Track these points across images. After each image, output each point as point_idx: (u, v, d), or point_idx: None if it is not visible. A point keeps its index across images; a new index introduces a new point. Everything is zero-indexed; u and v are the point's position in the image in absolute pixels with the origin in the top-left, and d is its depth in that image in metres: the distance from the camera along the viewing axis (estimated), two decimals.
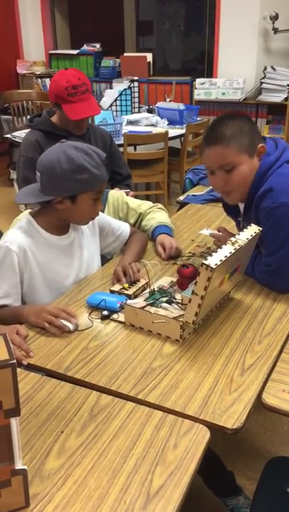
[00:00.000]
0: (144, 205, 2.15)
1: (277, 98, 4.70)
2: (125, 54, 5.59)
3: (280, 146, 1.65)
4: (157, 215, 2.09)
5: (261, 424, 2.18)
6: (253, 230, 1.50)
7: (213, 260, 1.28)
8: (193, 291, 1.33)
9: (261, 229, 1.52)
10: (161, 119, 4.51)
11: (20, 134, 4.03)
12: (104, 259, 1.96)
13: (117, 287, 1.66)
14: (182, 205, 2.60)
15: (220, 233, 1.94)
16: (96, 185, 1.58)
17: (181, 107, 4.54)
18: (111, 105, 4.62)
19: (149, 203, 2.17)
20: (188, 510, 0.99)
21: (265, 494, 1.32)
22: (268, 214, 1.56)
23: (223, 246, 1.37)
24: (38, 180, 1.60)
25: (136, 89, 4.77)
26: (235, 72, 4.87)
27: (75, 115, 2.27)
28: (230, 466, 1.74)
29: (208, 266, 1.26)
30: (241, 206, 1.73)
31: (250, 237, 1.45)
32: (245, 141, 1.57)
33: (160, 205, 2.17)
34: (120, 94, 4.63)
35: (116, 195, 2.19)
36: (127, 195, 2.26)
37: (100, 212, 1.79)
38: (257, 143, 1.60)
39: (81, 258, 1.75)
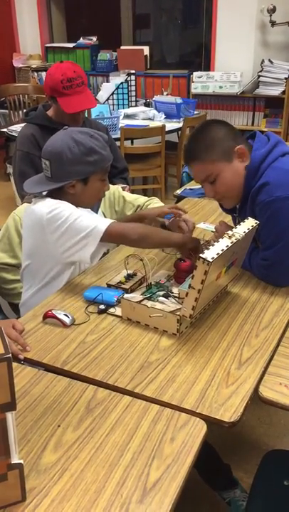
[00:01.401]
0: (141, 198, 2.15)
1: (275, 91, 4.68)
2: (122, 47, 5.56)
3: (272, 139, 1.64)
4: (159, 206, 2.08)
5: (258, 418, 2.18)
6: (250, 223, 1.49)
7: (210, 254, 1.28)
8: (190, 284, 1.32)
9: (258, 222, 1.52)
10: (158, 112, 4.50)
11: (16, 128, 4.01)
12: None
13: (114, 281, 1.65)
14: (179, 199, 2.59)
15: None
16: (105, 165, 1.67)
17: (178, 100, 4.52)
18: (108, 99, 4.60)
19: (146, 198, 2.17)
20: (184, 503, 0.99)
21: (261, 487, 1.33)
22: (263, 208, 1.56)
23: (220, 239, 1.37)
24: (46, 169, 1.64)
25: (133, 83, 4.76)
26: (232, 65, 4.85)
27: (70, 108, 2.25)
28: (227, 459, 1.74)
29: (204, 259, 1.26)
30: None
31: (247, 231, 1.44)
32: (218, 150, 1.60)
33: (157, 199, 2.17)
34: (117, 88, 4.61)
35: (112, 189, 2.18)
36: (124, 190, 2.25)
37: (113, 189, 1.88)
38: (232, 147, 1.61)
39: None
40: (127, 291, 1.59)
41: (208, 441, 1.53)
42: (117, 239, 1.65)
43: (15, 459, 0.89)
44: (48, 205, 1.61)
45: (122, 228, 1.60)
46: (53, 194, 1.67)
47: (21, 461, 0.90)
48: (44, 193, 1.70)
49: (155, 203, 2.13)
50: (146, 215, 1.87)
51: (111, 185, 2.22)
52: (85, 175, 1.63)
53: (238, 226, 1.46)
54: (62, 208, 1.59)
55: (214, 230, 2.02)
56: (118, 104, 4.66)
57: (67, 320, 1.46)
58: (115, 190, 2.17)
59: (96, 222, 1.58)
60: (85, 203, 1.72)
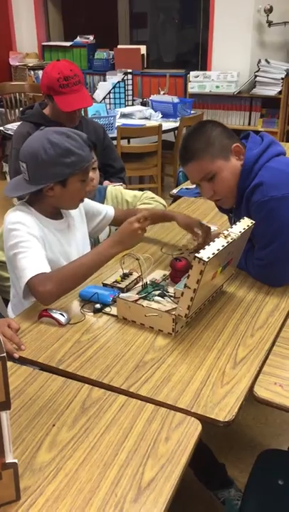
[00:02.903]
0: (137, 196, 2.20)
1: (272, 91, 4.69)
2: (119, 46, 5.55)
3: (265, 140, 1.65)
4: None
5: (253, 417, 2.19)
6: (245, 223, 1.49)
7: (206, 253, 1.28)
8: (185, 284, 1.33)
9: (254, 222, 1.52)
10: (155, 112, 4.49)
11: (12, 127, 3.99)
12: None
13: (109, 280, 1.65)
14: (176, 198, 2.59)
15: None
16: (83, 165, 1.59)
17: (175, 100, 4.52)
18: (104, 98, 4.59)
19: (140, 193, 2.22)
20: (179, 503, 1.00)
21: (256, 486, 1.33)
22: (258, 208, 1.56)
23: (216, 239, 1.37)
24: (24, 172, 1.60)
25: (130, 82, 4.75)
26: (229, 65, 4.86)
27: (67, 107, 2.25)
28: (222, 458, 1.74)
29: (200, 259, 1.26)
30: None
31: (242, 231, 1.44)
32: (215, 148, 1.60)
33: (149, 192, 2.22)
34: (114, 87, 4.60)
35: (114, 191, 2.21)
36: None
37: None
38: (228, 145, 1.61)
39: (77, 241, 1.77)
40: (122, 290, 1.59)
41: (204, 440, 1.53)
42: (35, 295, 1.51)
43: (9, 458, 0.89)
44: (12, 220, 1.58)
45: (36, 288, 1.47)
46: (34, 197, 1.64)
47: (16, 461, 0.90)
48: (25, 198, 1.68)
49: (150, 197, 2.17)
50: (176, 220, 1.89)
51: (113, 187, 2.24)
52: (62, 177, 1.57)
53: (233, 226, 1.46)
54: (19, 232, 1.54)
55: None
56: (115, 104, 4.65)
57: (62, 319, 1.46)
58: (118, 192, 2.20)
59: (29, 267, 1.49)
60: (66, 205, 1.69)
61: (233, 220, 1.76)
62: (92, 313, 1.52)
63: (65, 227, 1.73)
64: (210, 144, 1.59)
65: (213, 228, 2.09)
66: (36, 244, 1.56)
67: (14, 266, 1.55)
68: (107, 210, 1.94)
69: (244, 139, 1.69)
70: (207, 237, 1.77)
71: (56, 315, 1.47)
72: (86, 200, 1.89)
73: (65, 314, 1.48)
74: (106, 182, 2.43)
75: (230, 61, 4.86)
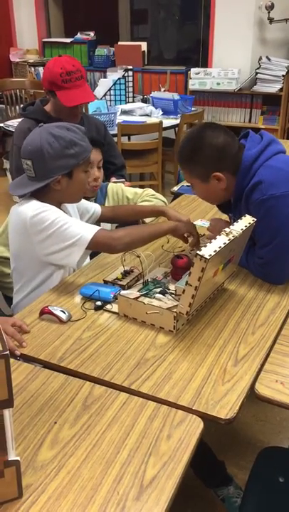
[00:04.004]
0: (138, 193, 2.20)
1: (272, 88, 4.68)
2: (119, 43, 5.54)
3: (265, 138, 1.64)
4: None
5: (254, 415, 2.19)
6: (247, 220, 1.49)
7: (207, 251, 1.28)
8: (187, 281, 1.32)
9: (255, 220, 1.52)
10: (156, 109, 4.48)
11: (13, 123, 3.99)
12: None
13: (110, 278, 1.65)
14: (176, 195, 2.59)
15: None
16: (86, 155, 1.64)
17: (176, 96, 4.51)
18: (105, 95, 4.58)
19: (141, 190, 2.23)
20: (180, 500, 1.00)
21: (256, 484, 1.33)
22: (258, 206, 1.56)
23: (218, 237, 1.36)
24: (28, 169, 1.61)
25: (130, 79, 4.73)
26: (230, 62, 4.84)
27: (69, 102, 2.25)
28: (222, 455, 1.75)
29: (202, 256, 1.26)
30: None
31: (244, 228, 1.44)
32: (196, 170, 1.65)
33: (150, 189, 2.22)
34: (114, 84, 4.59)
35: (115, 188, 2.21)
36: (124, 184, 2.27)
37: None
38: (210, 172, 1.61)
39: None
40: (123, 287, 1.59)
41: (204, 437, 1.53)
42: (103, 248, 1.68)
43: (12, 456, 0.89)
44: (33, 207, 1.59)
45: (108, 238, 1.61)
46: (39, 193, 1.64)
47: (18, 458, 0.90)
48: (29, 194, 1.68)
49: (150, 194, 2.19)
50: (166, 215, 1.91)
51: (114, 184, 2.24)
52: (68, 168, 1.61)
53: (235, 223, 1.46)
54: (49, 212, 1.57)
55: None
56: (115, 100, 4.64)
57: (63, 316, 1.46)
58: (118, 189, 2.20)
59: (82, 230, 1.58)
60: (72, 197, 1.71)
61: (233, 219, 1.76)
62: (93, 311, 1.52)
63: None
64: (193, 162, 1.65)
65: (208, 224, 2.08)
66: (70, 217, 1.63)
67: (61, 239, 1.57)
68: (95, 208, 1.94)
69: (244, 138, 1.69)
70: (196, 240, 1.80)
71: (57, 312, 1.47)
72: None
73: (66, 311, 1.48)
74: (113, 179, 2.43)
75: (231, 58, 4.85)
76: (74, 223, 1.60)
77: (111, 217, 1.97)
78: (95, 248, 1.62)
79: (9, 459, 0.89)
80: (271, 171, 1.57)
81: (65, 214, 1.64)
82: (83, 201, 1.95)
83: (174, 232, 1.76)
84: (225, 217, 1.96)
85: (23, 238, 1.62)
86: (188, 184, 2.62)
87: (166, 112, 4.46)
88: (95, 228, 1.61)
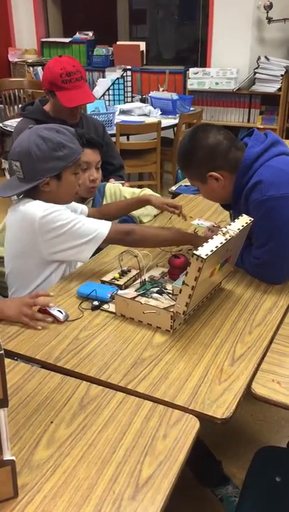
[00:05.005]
0: (136, 192, 2.21)
1: (271, 88, 4.68)
2: (118, 43, 5.53)
3: (269, 138, 1.64)
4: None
5: (251, 414, 2.19)
6: (244, 220, 1.49)
7: (204, 250, 1.28)
8: (184, 281, 1.32)
9: (252, 219, 1.52)
10: (154, 108, 4.48)
11: (11, 123, 3.99)
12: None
13: (108, 277, 1.65)
14: (175, 195, 2.59)
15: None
16: (75, 158, 1.64)
17: (174, 96, 4.51)
18: (103, 94, 4.58)
19: (139, 190, 2.24)
20: (176, 500, 1.00)
21: (254, 483, 1.33)
22: (257, 207, 1.56)
23: (214, 236, 1.36)
24: (17, 171, 1.61)
25: (129, 79, 4.73)
26: (228, 61, 4.84)
27: (69, 102, 2.25)
28: (220, 455, 1.75)
29: (198, 256, 1.26)
30: None
31: (241, 228, 1.44)
32: (193, 172, 1.69)
33: (148, 189, 2.24)
34: (113, 84, 4.59)
35: (113, 188, 2.21)
36: (123, 185, 2.27)
37: None
38: (206, 172, 1.62)
39: None
40: (121, 287, 1.59)
41: (201, 436, 1.53)
42: (116, 242, 1.72)
43: (7, 456, 0.89)
44: (43, 208, 1.58)
45: (122, 233, 1.67)
46: (30, 194, 1.64)
47: (13, 458, 0.90)
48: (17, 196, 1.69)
49: (148, 194, 2.18)
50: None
51: (112, 184, 2.24)
52: (57, 170, 1.61)
53: (232, 223, 1.46)
54: (60, 212, 1.58)
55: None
56: (114, 100, 4.64)
57: (61, 316, 1.46)
58: (116, 189, 2.20)
59: (97, 226, 1.63)
60: (62, 199, 1.69)
61: (233, 217, 1.76)
62: (90, 310, 1.52)
63: None
64: (188, 167, 1.68)
65: (206, 223, 2.09)
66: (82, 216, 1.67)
67: (75, 237, 1.59)
68: (82, 208, 1.94)
69: (248, 137, 1.68)
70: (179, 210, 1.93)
71: (54, 312, 1.46)
72: None
73: (63, 311, 1.48)
74: (111, 180, 2.43)
75: (230, 58, 4.85)
76: (86, 221, 1.63)
77: (98, 218, 1.97)
78: (108, 242, 1.69)
79: (4, 459, 0.89)
80: (272, 171, 1.56)
81: (72, 213, 1.64)
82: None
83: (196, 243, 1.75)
84: (226, 214, 1.96)
85: (28, 238, 1.60)
86: (187, 184, 2.64)
87: (164, 112, 4.46)
88: (108, 224, 1.65)
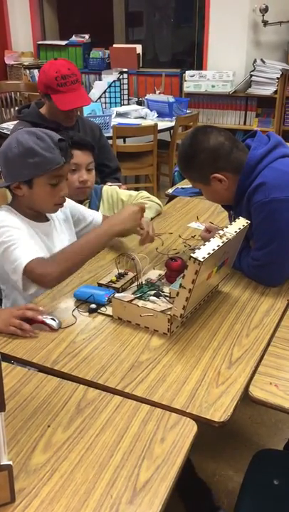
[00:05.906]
0: (133, 196, 2.20)
1: (267, 91, 4.69)
2: (114, 45, 5.54)
3: (272, 140, 1.63)
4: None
5: (249, 417, 2.19)
6: (241, 223, 1.49)
7: (201, 253, 1.28)
8: (180, 284, 1.32)
9: (249, 222, 1.52)
10: (151, 111, 4.49)
11: (8, 126, 3.98)
12: None
13: (105, 280, 1.65)
14: (171, 198, 2.59)
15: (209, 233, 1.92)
16: (49, 168, 1.53)
17: (171, 99, 4.52)
18: (100, 97, 4.58)
19: (136, 192, 2.23)
20: (173, 503, 0.99)
21: (251, 486, 1.33)
22: (259, 208, 1.56)
23: (211, 239, 1.36)
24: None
25: (125, 81, 4.75)
26: (225, 64, 4.86)
27: (64, 105, 2.25)
28: (218, 457, 1.75)
29: (195, 259, 1.26)
30: None
31: (238, 231, 1.44)
32: (195, 175, 1.68)
33: (144, 192, 2.23)
34: (109, 86, 4.60)
35: (110, 191, 2.20)
36: (119, 188, 2.27)
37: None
38: (208, 174, 1.61)
39: (63, 245, 1.73)
40: (118, 290, 1.59)
41: (198, 440, 1.53)
42: (36, 280, 1.52)
43: (4, 460, 0.89)
44: None
45: (41, 267, 1.48)
46: (14, 199, 1.64)
47: (10, 463, 0.90)
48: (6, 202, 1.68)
49: (145, 196, 2.19)
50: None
51: (108, 187, 2.23)
52: (26, 177, 1.54)
53: (229, 226, 1.46)
54: (6, 229, 1.54)
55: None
56: (110, 103, 4.65)
57: (54, 324, 1.43)
58: (113, 192, 2.19)
59: (21, 256, 1.49)
60: (39, 207, 1.65)
61: (233, 218, 1.76)
62: (87, 314, 1.52)
63: (50, 230, 1.72)
64: (190, 169, 1.68)
65: (202, 226, 2.09)
66: (25, 236, 1.56)
67: (7, 260, 1.52)
68: (94, 216, 1.91)
69: (250, 138, 1.69)
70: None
71: (48, 320, 1.43)
72: (73, 203, 1.88)
73: (56, 319, 1.45)
74: (108, 183, 2.43)
75: (226, 61, 4.87)
76: (22, 244, 1.51)
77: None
78: (30, 278, 1.50)
79: (1, 463, 0.88)
80: (276, 173, 1.56)
81: (20, 232, 1.55)
82: (82, 208, 1.93)
83: (125, 233, 1.70)
84: (223, 217, 1.96)
85: None
86: (183, 186, 2.64)
87: (161, 115, 4.47)
88: (32, 256, 1.49)
